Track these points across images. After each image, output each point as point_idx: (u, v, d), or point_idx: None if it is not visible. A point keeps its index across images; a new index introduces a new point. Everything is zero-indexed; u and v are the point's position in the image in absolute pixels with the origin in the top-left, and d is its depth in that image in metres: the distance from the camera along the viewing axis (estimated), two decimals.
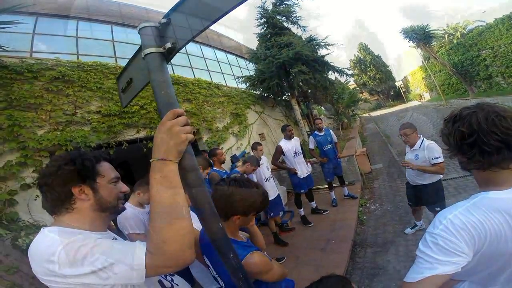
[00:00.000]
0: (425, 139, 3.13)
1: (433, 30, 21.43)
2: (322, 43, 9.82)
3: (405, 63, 34.26)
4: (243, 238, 1.47)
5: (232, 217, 1.28)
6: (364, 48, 41.93)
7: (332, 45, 9.86)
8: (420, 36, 20.39)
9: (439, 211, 3.06)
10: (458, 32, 22.43)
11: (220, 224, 0.95)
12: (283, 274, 1.43)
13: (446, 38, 23.37)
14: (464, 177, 5.21)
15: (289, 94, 10.14)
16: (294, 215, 5.43)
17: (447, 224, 0.84)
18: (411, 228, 3.78)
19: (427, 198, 3.24)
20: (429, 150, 2.99)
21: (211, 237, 0.95)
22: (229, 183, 1.28)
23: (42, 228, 0.90)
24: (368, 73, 41.31)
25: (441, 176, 3.14)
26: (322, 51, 9.90)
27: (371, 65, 41.18)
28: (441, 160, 2.92)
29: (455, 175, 5.49)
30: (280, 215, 5.03)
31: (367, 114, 34.28)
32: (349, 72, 10.43)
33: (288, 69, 8.60)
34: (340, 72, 10.21)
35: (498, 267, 0.85)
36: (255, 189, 1.30)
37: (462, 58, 18.78)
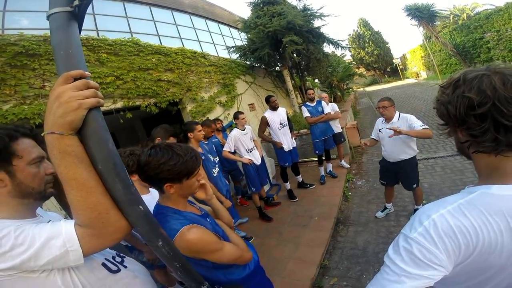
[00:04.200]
0: (401, 113, 3.11)
1: (438, 10, 20.70)
2: (317, 14, 9.30)
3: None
4: (197, 210, 1.30)
5: (164, 187, 1.14)
6: (364, 24, 40.66)
7: (327, 16, 9.36)
8: (424, 15, 19.63)
9: (416, 187, 2.85)
10: (465, 14, 21.87)
11: (140, 207, 0.74)
12: (241, 258, 1.25)
13: (451, 18, 22.85)
14: (452, 156, 5.12)
15: (281, 64, 9.78)
16: (281, 189, 5.35)
17: (429, 226, 0.63)
18: (382, 211, 3.71)
19: (407, 174, 3.19)
20: (411, 120, 2.94)
21: (132, 224, 0.76)
22: (147, 152, 1.14)
23: None
24: (366, 49, 40.45)
25: (417, 151, 3.15)
26: (317, 22, 9.45)
27: (370, 41, 40.23)
28: (426, 126, 2.87)
29: (443, 153, 5.40)
30: (266, 189, 4.94)
31: (362, 89, 34.13)
32: (344, 44, 10.01)
33: (280, 38, 8.16)
34: (335, 44, 9.79)
35: (480, 280, 0.66)
36: (175, 152, 1.14)
37: (465, 39, 18.45)
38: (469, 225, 0.61)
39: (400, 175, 3.27)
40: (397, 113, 3.11)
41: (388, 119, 3.15)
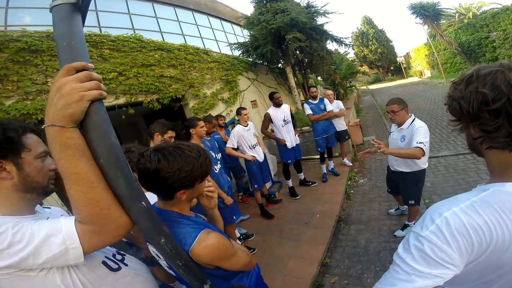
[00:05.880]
0: (416, 119, 2.64)
1: (444, 8, 20.53)
2: (320, 11, 9.28)
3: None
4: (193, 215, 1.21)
5: (176, 194, 1.00)
6: (367, 22, 40.36)
7: (331, 13, 9.33)
8: (429, 13, 19.46)
9: (412, 204, 2.61)
10: (471, 13, 21.76)
11: (143, 203, 0.73)
12: (250, 263, 1.17)
13: (456, 17, 22.77)
14: (456, 155, 5.09)
15: (283, 61, 9.76)
16: (283, 186, 5.33)
17: (441, 224, 0.62)
18: (395, 210, 3.64)
19: (403, 187, 2.93)
20: (416, 132, 2.51)
21: (134, 220, 0.75)
22: (151, 158, 0.96)
23: None
24: (370, 47, 40.18)
25: (426, 166, 2.77)
26: (320, 20, 9.41)
27: (374, 39, 39.94)
28: (424, 146, 2.43)
29: (446, 152, 5.37)
30: (268, 186, 4.93)
31: (365, 87, 34.11)
32: (347, 42, 9.99)
33: (283, 35, 8.13)
34: (339, 41, 9.76)
35: (490, 278, 0.64)
36: (187, 154, 0.99)
37: (470, 38, 18.40)
38: (483, 223, 0.59)
39: (400, 186, 3.03)
40: (411, 118, 2.67)
41: (398, 125, 2.77)
